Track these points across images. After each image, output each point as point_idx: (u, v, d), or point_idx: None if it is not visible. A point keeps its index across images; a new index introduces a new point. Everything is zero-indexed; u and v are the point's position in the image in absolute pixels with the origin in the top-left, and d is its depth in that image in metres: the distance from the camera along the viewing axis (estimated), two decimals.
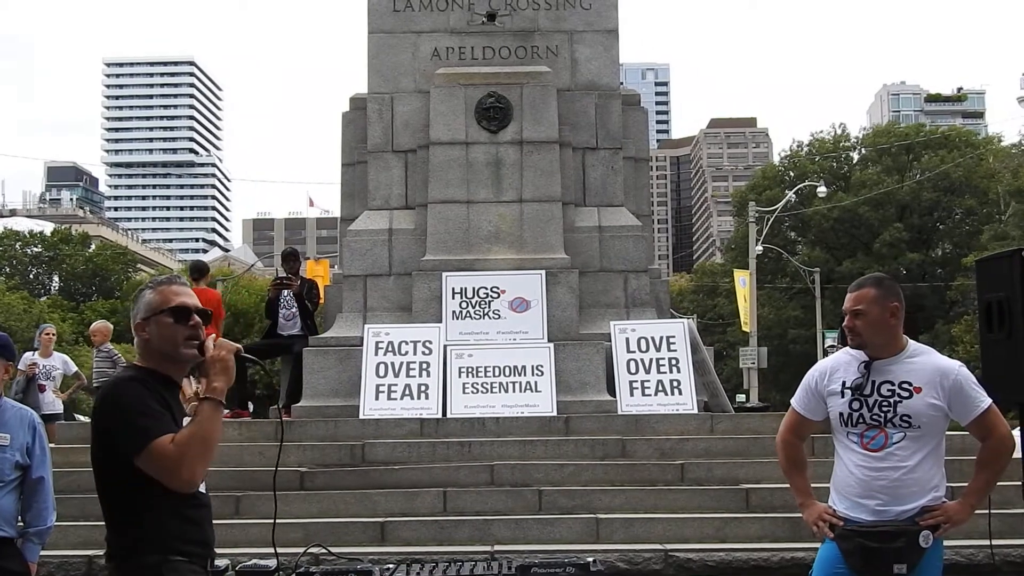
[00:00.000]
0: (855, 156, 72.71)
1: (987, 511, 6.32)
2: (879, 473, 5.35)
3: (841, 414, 5.47)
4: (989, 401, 5.53)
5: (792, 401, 5.84)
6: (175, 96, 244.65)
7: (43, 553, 6.14)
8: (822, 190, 60.40)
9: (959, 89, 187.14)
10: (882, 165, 67.97)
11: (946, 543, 9.55)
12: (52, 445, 6.34)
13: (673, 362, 13.89)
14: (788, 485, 5.90)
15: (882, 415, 5.38)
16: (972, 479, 5.60)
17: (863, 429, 5.41)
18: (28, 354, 16.69)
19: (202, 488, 4.19)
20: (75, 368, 17.81)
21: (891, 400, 5.37)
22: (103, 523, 4.14)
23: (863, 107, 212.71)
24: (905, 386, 5.38)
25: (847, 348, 5.66)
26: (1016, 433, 6.92)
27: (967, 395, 5.44)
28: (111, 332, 17.99)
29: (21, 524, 5.93)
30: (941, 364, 5.53)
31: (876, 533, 5.30)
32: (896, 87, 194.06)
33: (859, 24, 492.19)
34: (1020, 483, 6.74)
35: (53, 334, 17.53)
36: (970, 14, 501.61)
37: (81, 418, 19.08)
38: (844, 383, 5.48)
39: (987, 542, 7.68)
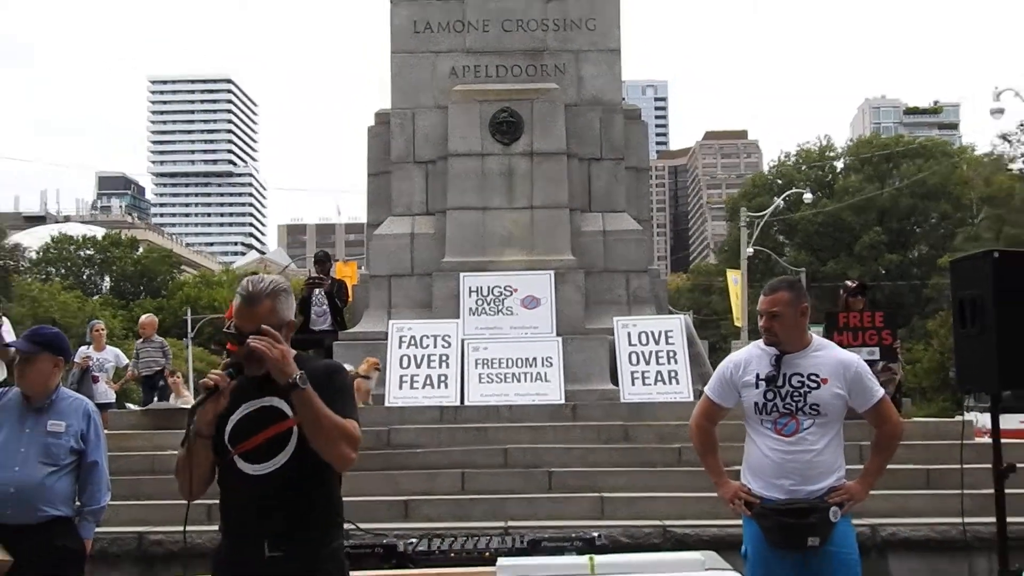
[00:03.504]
0: (839, 165, 72.63)
1: (960, 492, 6.33)
2: (792, 456, 5.43)
3: (756, 403, 5.54)
4: (883, 392, 5.65)
5: (706, 389, 5.92)
6: (215, 111, 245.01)
7: (97, 530, 6.16)
8: (808, 197, 60.39)
9: (936, 102, 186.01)
10: (864, 173, 67.95)
11: (922, 520, 9.59)
12: (106, 431, 6.36)
13: (671, 354, 13.87)
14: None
15: (794, 404, 5.45)
16: (869, 461, 5.72)
17: (776, 416, 5.48)
18: (83, 348, 16.72)
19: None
20: (126, 361, 17.85)
21: (801, 391, 5.45)
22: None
23: (846, 120, 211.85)
24: (813, 378, 5.45)
25: (757, 342, 5.72)
26: (986, 417, 6.92)
27: (865, 386, 5.53)
28: (157, 324, 18.13)
29: (78, 504, 5.97)
30: (842, 357, 5.62)
31: (791, 511, 5.38)
32: (877, 101, 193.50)
33: (842, 41, 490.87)
34: (990, 465, 6.71)
35: (102, 329, 17.56)
36: (947, 31, 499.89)
37: (131, 406, 19.10)
38: (758, 375, 5.54)
39: (959, 520, 7.68)
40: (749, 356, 5.69)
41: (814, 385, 5.43)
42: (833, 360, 5.53)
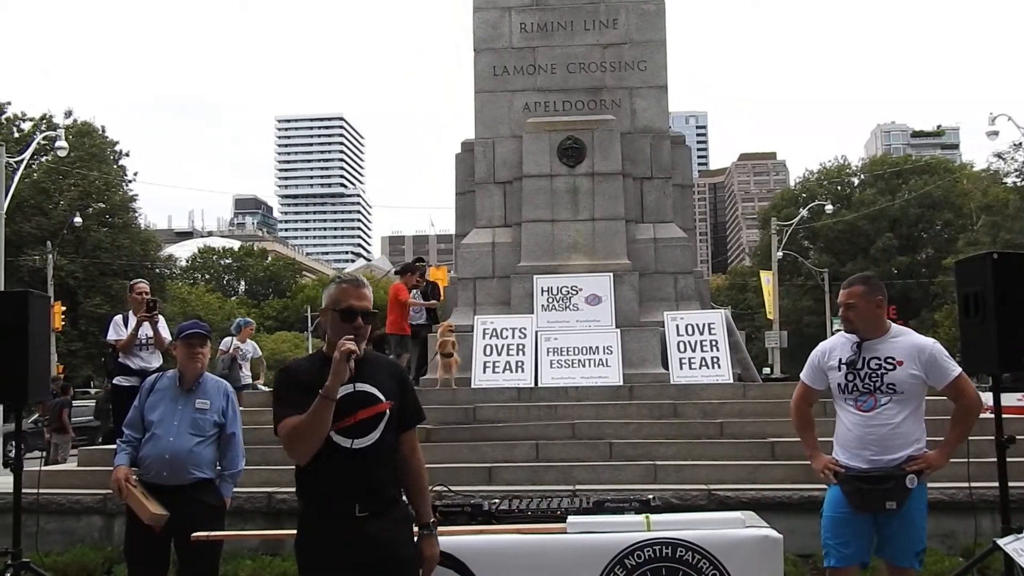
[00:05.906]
0: (855, 181, 71.38)
1: (966, 460, 6.17)
2: (871, 429, 5.27)
3: (839, 384, 5.41)
4: (959, 370, 5.44)
5: (801, 375, 5.79)
6: (329, 143, 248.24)
7: (234, 490, 6.24)
8: (829, 208, 59.31)
9: (938, 126, 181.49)
10: (877, 188, 66.71)
11: (933, 484, 9.30)
12: (241, 408, 6.46)
13: (713, 343, 13.73)
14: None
15: (871, 384, 5.30)
16: (948, 432, 5.48)
17: (857, 395, 5.34)
18: (228, 339, 16.87)
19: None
20: (259, 353, 18.04)
21: (879, 372, 5.30)
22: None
23: (861, 141, 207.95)
24: (890, 360, 5.30)
25: (842, 332, 5.58)
26: (988, 396, 6.74)
27: (940, 366, 5.34)
28: None
29: (219, 468, 6.05)
30: (918, 342, 5.44)
31: (871, 477, 5.23)
32: (887, 125, 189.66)
33: (857, 74, 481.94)
34: (993, 437, 6.53)
35: (254, 327, 17.75)
36: (948, 63, 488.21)
37: (263, 387, 19.38)
38: (840, 360, 5.41)
39: (966, 484, 7.48)
40: (834, 344, 5.57)
41: (891, 367, 5.28)
42: (909, 344, 5.36)
